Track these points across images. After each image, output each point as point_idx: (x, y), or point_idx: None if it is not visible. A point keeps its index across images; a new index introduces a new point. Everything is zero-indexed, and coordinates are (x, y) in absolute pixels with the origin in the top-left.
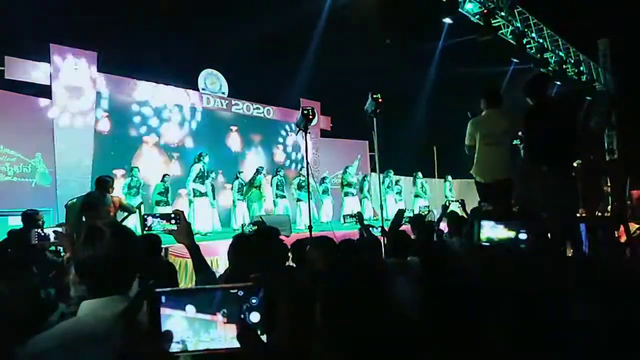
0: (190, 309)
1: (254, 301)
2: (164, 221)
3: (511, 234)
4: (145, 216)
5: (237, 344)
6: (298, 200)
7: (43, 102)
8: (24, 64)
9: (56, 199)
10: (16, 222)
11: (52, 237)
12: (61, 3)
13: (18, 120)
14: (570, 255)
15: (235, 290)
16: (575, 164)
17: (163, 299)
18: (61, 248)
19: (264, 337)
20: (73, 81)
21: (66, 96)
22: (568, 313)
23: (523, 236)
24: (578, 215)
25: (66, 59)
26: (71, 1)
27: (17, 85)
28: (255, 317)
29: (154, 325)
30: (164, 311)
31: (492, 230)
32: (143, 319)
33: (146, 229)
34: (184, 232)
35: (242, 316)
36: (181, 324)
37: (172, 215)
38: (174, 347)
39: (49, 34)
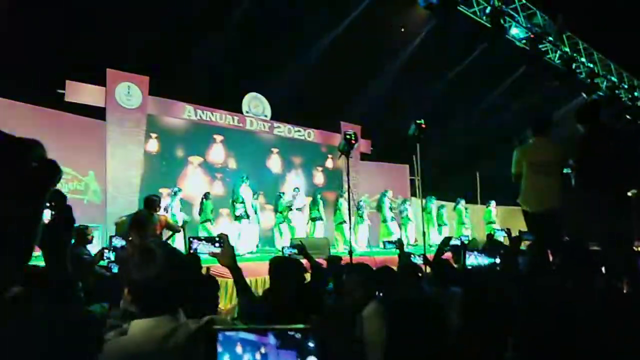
0: (242, 347)
1: (310, 345)
2: (209, 244)
3: (489, 260)
4: (191, 239)
5: None
6: (339, 224)
7: (98, 123)
8: (83, 88)
9: (106, 215)
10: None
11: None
12: (117, 31)
13: (74, 140)
14: (626, 290)
15: (292, 333)
16: (630, 194)
17: (220, 336)
18: (112, 264)
19: None
20: (126, 104)
21: (119, 118)
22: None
23: (498, 260)
24: (636, 247)
25: (120, 83)
26: (126, 29)
27: (74, 107)
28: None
29: None
30: (219, 348)
31: (475, 258)
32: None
33: (191, 251)
34: (228, 254)
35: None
36: None
37: (217, 239)
38: None
39: (106, 59)
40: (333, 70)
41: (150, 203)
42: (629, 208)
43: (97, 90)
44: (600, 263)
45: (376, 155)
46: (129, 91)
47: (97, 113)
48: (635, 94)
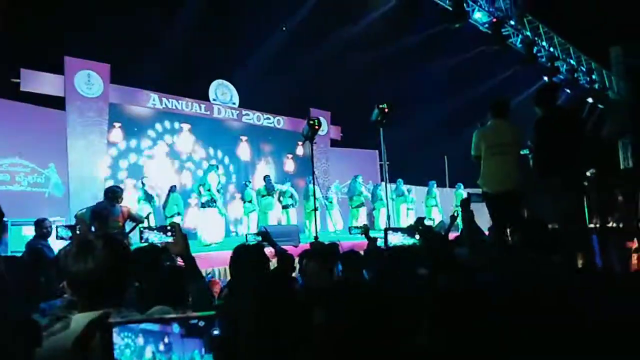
0: (144, 338)
1: (215, 332)
2: (161, 233)
3: (408, 239)
4: (142, 229)
5: None
6: (310, 212)
7: (57, 113)
8: (39, 76)
9: (69, 208)
10: (30, 232)
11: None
12: (75, 17)
13: (32, 132)
14: (581, 266)
15: (196, 321)
16: (588, 174)
17: (117, 328)
18: None
19: None
20: (86, 93)
21: (79, 107)
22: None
23: (416, 239)
24: (590, 226)
25: (80, 71)
26: (85, 15)
27: (32, 97)
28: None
29: (107, 356)
30: (117, 340)
31: (395, 238)
32: (97, 349)
33: (142, 241)
34: (180, 243)
35: (202, 349)
36: (140, 358)
37: (169, 228)
38: None
39: (63, 47)
40: (302, 57)
41: (112, 194)
42: (583, 188)
43: (55, 79)
44: (557, 240)
45: (348, 142)
46: (89, 79)
47: (56, 103)
48: (593, 76)
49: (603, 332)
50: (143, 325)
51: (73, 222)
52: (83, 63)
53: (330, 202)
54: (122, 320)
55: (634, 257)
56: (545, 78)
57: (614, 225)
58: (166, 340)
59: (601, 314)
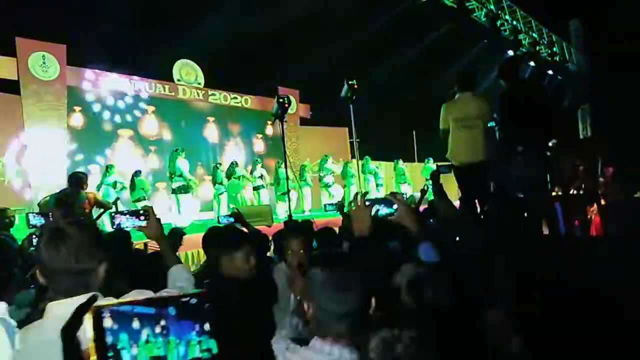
0: (139, 321)
1: (207, 307)
2: (134, 217)
3: (388, 209)
4: (113, 214)
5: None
6: (282, 193)
7: (11, 97)
8: None
9: (31, 197)
10: None
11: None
12: None
13: None
14: (546, 234)
15: (187, 299)
16: (550, 144)
17: (107, 312)
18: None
19: (214, 345)
20: (42, 75)
21: (35, 91)
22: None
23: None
24: (553, 194)
25: (33, 53)
26: None
27: None
28: (208, 326)
29: (98, 343)
30: (110, 325)
31: (374, 209)
32: (84, 336)
33: (114, 227)
34: (154, 227)
35: (195, 325)
36: (130, 339)
37: (141, 212)
38: None
39: (14, 26)
40: (268, 34)
41: (76, 180)
42: (547, 161)
43: (7, 62)
44: (523, 209)
45: (317, 120)
46: (44, 61)
47: (9, 87)
48: (554, 49)
49: (565, 295)
50: (137, 309)
51: (37, 211)
52: (37, 44)
53: (304, 181)
54: (113, 302)
55: (594, 219)
56: (510, 52)
57: (575, 193)
58: (163, 323)
59: (563, 279)
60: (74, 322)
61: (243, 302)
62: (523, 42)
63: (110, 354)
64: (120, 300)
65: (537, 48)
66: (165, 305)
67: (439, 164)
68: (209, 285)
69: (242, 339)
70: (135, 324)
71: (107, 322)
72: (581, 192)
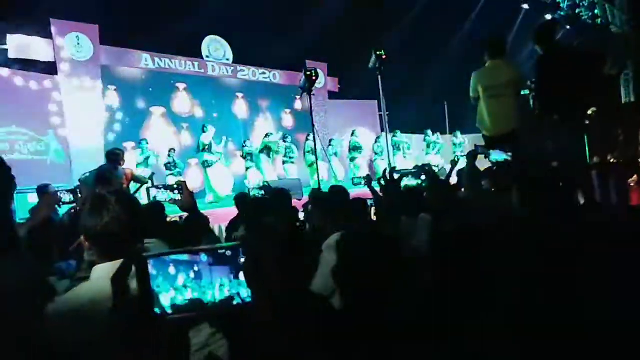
0: (175, 267)
1: (242, 260)
2: (168, 191)
3: (415, 181)
4: (149, 188)
5: (226, 305)
6: (311, 164)
7: (50, 79)
8: (27, 41)
9: (72, 174)
10: (35, 199)
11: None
12: None
13: (27, 99)
14: (582, 202)
15: (223, 251)
16: (590, 112)
17: (151, 261)
18: None
19: (246, 290)
20: (76, 56)
21: (71, 72)
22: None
23: (423, 178)
24: (590, 162)
25: (68, 34)
26: None
27: (22, 63)
28: (242, 274)
29: (144, 288)
30: (151, 272)
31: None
32: (133, 283)
33: (151, 199)
34: (188, 200)
35: (231, 276)
36: (172, 285)
37: (175, 186)
38: (166, 309)
39: (48, 9)
40: (295, 7)
41: (114, 157)
42: (585, 129)
43: (43, 43)
44: (558, 179)
45: (346, 93)
46: (78, 42)
47: (47, 68)
48: (596, 11)
49: (599, 271)
50: (173, 257)
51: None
52: (70, 25)
53: (334, 154)
54: (155, 253)
55: (634, 190)
56: (548, 16)
57: (614, 161)
58: (196, 268)
59: (597, 253)
60: (123, 270)
61: (278, 255)
62: (561, 4)
63: (152, 297)
64: (163, 252)
65: (577, 11)
66: (198, 253)
67: (477, 144)
68: (243, 239)
69: (275, 288)
70: (172, 270)
71: (150, 270)
72: (620, 161)
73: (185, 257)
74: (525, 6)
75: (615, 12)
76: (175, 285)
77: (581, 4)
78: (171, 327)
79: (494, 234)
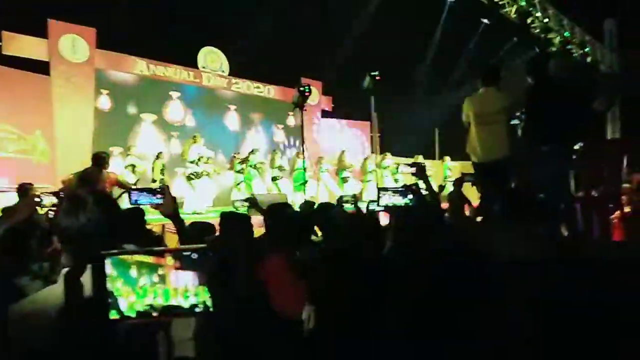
0: (143, 272)
1: (207, 264)
2: (150, 195)
3: (402, 199)
4: (131, 190)
5: (179, 312)
6: (300, 184)
7: (41, 78)
8: (22, 40)
9: (56, 175)
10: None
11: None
12: None
13: (17, 97)
14: (566, 235)
15: (189, 253)
16: (577, 147)
17: (108, 260)
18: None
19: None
20: (71, 58)
21: (64, 73)
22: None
23: (410, 197)
24: (575, 196)
25: (64, 35)
26: None
27: (15, 61)
28: (207, 279)
29: (99, 290)
30: (110, 272)
31: (389, 198)
32: (87, 282)
33: (131, 202)
34: (170, 205)
35: (197, 277)
36: (133, 289)
37: (158, 190)
38: (125, 313)
39: (47, 9)
40: (294, 25)
41: (99, 160)
42: (572, 160)
43: (38, 43)
44: (544, 211)
45: (340, 113)
46: (74, 44)
47: (40, 67)
48: (586, 49)
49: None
50: (137, 258)
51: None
52: (68, 27)
53: (323, 172)
54: (114, 252)
55: (616, 224)
56: (537, 48)
57: (598, 195)
58: (160, 271)
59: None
60: (77, 268)
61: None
62: (553, 40)
63: (110, 299)
64: (122, 250)
65: (568, 47)
66: (163, 256)
67: (464, 172)
68: (211, 241)
69: (244, 291)
70: (134, 272)
71: (107, 270)
72: (604, 196)
73: (149, 259)
74: (486, 20)
75: (605, 52)
76: (137, 289)
77: (572, 41)
78: (132, 332)
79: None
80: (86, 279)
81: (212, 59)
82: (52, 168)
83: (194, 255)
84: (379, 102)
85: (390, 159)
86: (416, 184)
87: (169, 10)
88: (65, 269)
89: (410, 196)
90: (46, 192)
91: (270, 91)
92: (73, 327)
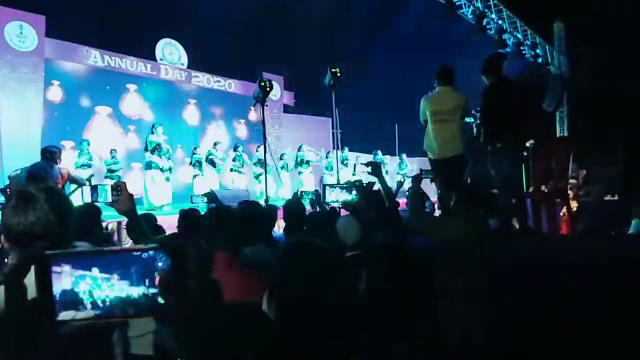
0: (86, 269)
1: (159, 264)
2: (105, 192)
3: (349, 195)
4: (84, 188)
5: (131, 312)
6: (257, 176)
7: None
8: None
9: (2, 170)
10: None
11: None
12: None
13: None
14: (517, 228)
15: (139, 253)
16: (528, 144)
17: (54, 258)
18: None
19: (163, 300)
20: (18, 46)
21: (11, 62)
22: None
23: (354, 193)
24: (525, 191)
25: (10, 22)
26: None
27: None
28: (159, 280)
29: (43, 289)
30: (56, 270)
31: (335, 195)
32: (30, 283)
33: (84, 199)
34: (126, 202)
35: (145, 279)
36: (75, 287)
37: (114, 186)
38: (65, 314)
39: None
40: (255, 20)
41: (50, 155)
42: (523, 157)
43: None
44: (496, 205)
45: (302, 109)
46: (21, 31)
47: None
48: (538, 51)
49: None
50: (85, 258)
51: (7, 183)
52: (14, 13)
53: (283, 168)
54: (58, 252)
55: (564, 218)
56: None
57: (547, 191)
58: (109, 272)
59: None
60: (19, 268)
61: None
62: (507, 41)
63: (54, 302)
64: (69, 250)
65: (521, 49)
66: (114, 255)
67: (422, 168)
68: (163, 241)
69: (196, 290)
70: (81, 272)
71: (54, 269)
72: (553, 191)
73: (98, 258)
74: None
75: (554, 54)
76: (83, 288)
77: (525, 43)
78: (80, 334)
79: (427, 253)
80: (30, 280)
81: (170, 51)
82: None
83: (145, 255)
84: (341, 98)
85: (348, 154)
86: (360, 181)
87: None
88: (7, 269)
89: (355, 192)
90: None
91: (231, 85)
92: (14, 330)
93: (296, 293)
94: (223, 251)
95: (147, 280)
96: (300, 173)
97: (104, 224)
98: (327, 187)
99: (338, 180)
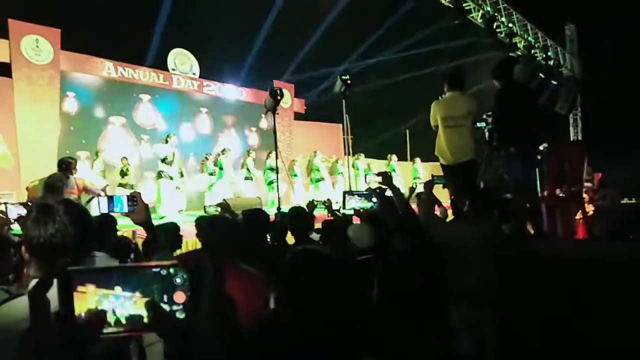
0: (115, 289)
1: (178, 281)
2: (121, 202)
3: (368, 203)
4: (99, 198)
5: (150, 327)
6: (270, 182)
7: (3, 80)
8: None
9: (20, 181)
10: None
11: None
12: None
13: None
14: (532, 232)
15: (158, 269)
16: (542, 148)
17: (76, 275)
18: None
19: (182, 316)
20: (35, 59)
21: (27, 75)
22: None
23: (374, 201)
24: (540, 195)
25: (26, 35)
26: None
27: None
28: (179, 297)
29: (66, 305)
30: (85, 293)
31: (355, 202)
32: (52, 299)
33: (101, 210)
34: (142, 212)
35: (164, 296)
36: (99, 306)
37: (129, 196)
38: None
39: (7, 8)
40: (268, 28)
41: (66, 165)
42: (536, 161)
43: None
44: (510, 210)
45: (313, 115)
46: (37, 45)
47: (2, 70)
48: (549, 53)
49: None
50: (105, 274)
51: (25, 194)
52: (30, 27)
53: (295, 175)
54: (81, 268)
55: (580, 222)
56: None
57: (562, 195)
58: (129, 288)
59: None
60: (43, 282)
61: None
62: (518, 44)
63: (81, 318)
64: (92, 267)
65: (532, 52)
66: (134, 272)
67: (434, 174)
68: (181, 257)
69: (216, 310)
70: (105, 291)
71: (79, 288)
72: (568, 195)
73: (118, 274)
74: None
75: (566, 56)
76: (107, 307)
77: (536, 46)
78: (100, 346)
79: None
80: (53, 293)
81: (182, 61)
82: (15, 174)
83: (163, 272)
84: (351, 104)
85: (362, 161)
86: (379, 187)
87: (138, 10)
88: (32, 282)
89: (375, 199)
90: (12, 204)
91: (242, 94)
92: (38, 344)
93: (302, 301)
94: (228, 258)
95: (165, 297)
96: (317, 181)
97: (119, 233)
98: (347, 195)
99: (350, 186)
